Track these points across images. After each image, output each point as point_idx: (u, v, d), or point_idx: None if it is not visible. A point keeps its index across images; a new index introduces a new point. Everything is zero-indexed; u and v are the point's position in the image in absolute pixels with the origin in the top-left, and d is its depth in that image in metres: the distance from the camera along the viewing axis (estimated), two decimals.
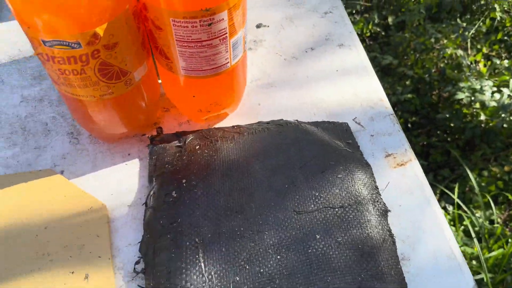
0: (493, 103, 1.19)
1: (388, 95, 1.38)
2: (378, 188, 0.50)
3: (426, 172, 1.26)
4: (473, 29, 1.37)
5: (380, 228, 0.46)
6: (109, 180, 0.52)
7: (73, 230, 0.46)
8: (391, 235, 0.47)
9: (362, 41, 1.54)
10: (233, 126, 0.55)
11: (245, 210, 0.46)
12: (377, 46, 1.46)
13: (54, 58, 0.39)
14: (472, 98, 1.19)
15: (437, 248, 0.48)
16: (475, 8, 1.46)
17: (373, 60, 1.43)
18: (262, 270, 0.43)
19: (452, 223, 1.12)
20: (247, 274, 0.43)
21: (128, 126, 0.51)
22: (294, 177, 0.49)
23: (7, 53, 0.64)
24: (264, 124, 0.55)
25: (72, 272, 0.44)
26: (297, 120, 0.56)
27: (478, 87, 1.20)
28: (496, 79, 1.27)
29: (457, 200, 1.07)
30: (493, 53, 1.44)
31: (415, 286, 0.45)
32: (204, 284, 0.42)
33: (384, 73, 1.43)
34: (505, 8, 1.46)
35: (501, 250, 0.98)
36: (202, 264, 0.43)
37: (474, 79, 1.23)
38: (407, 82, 1.36)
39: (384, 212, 0.48)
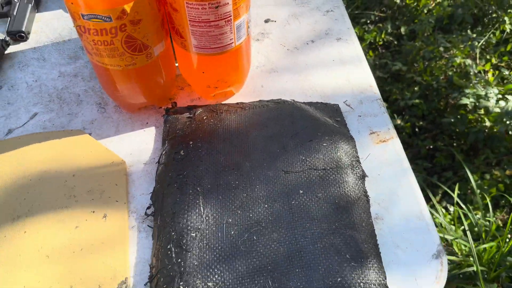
0: (497, 110, 1.23)
1: (396, 100, 1.44)
2: (358, 158, 0.57)
3: (431, 174, 1.31)
4: (483, 40, 1.43)
5: (356, 189, 0.53)
6: (129, 142, 0.61)
7: (96, 179, 0.55)
8: (366, 195, 0.54)
9: (375, 49, 1.61)
10: (237, 103, 0.63)
11: (241, 167, 0.54)
12: (389, 54, 1.53)
13: (89, 30, 0.49)
14: (477, 104, 1.24)
15: (409, 211, 0.54)
16: (486, 21, 1.52)
17: (383, 66, 1.50)
18: (251, 215, 0.51)
19: (452, 222, 1.16)
20: (239, 218, 0.50)
21: (147, 97, 0.60)
22: (285, 144, 0.56)
23: (49, 37, 0.75)
24: (264, 102, 0.63)
25: (93, 212, 0.53)
26: (293, 100, 0.63)
27: (483, 93, 1.25)
28: (502, 88, 1.31)
29: (456, 198, 1.12)
30: (502, 64, 1.48)
31: (386, 242, 0.52)
32: (201, 223, 0.50)
33: (394, 79, 1.50)
34: None
35: (493, 243, 1.03)
36: (201, 208, 0.51)
37: (480, 87, 1.28)
38: (416, 88, 1.42)
39: (361, 177, 0.55)
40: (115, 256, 0.50)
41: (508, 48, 1.46)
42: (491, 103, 1.24)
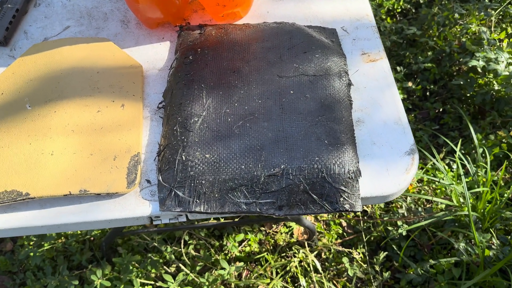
0: (506, 73, 1.26)
1: (409, 64, 1.49)
2: (347, 70, 0.64)
3: (437, 135, 1.35)
4: (499, 8, 1.44)
5: (341, 92, 0.60)
6: (147, 53, 0.69)
7: (116, 76, 0.64)
8: (349, 99, 0.61)
9: (393, 16, 1.64)
10: (243, 24, 0.71)
11: (241, 71, 0.62)
12: (406, 21, 1.56)
13: None
14: (486, 67, 1.28)
15: (388, 116, 0.61)
16: None
17: (399, 32, 1.54)
18: (246, 107, 0.58)
19: (454, 179, 1.21)
20: (236, 109, 0.58)
21: (164, 12, 0.68)
22: (282, 54, 0.64)
23: None
24: (268, 23, 0.70)
25: (113, 101, 0.61)
26: (294, 22, 0.70)
27: (493, 57, 1.28)
28: None
29: (458, 152, 1.16)
30: None
31: (364, 140, 0.59)
32: (203, 111, 0.58)
33: (408, 44, 1.53)
34: None
35: (485, 188, 1.07)
36: (204, 100, 0.59)
37: (491, 51, 1.31)
38: (429, 53, 1.45)
39: (347, 84, 0.62)
40: (130, 136, 0.58)
41: None
42: (501, 67, 1.27)
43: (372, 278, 1.11)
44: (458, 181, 1.19)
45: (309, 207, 0.53)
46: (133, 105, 0.62)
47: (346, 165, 0.53)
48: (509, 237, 1.10)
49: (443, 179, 1.14)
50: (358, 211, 0.52)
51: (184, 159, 0.54)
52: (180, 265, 1.09)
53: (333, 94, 0.59)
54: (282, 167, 0.53)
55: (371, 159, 0.57)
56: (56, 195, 0.53)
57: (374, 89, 0.64)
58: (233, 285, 1.11)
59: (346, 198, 0.52)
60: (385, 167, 0.57)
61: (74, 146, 0.56)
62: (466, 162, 1.14)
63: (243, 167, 0.54)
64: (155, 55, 0.69)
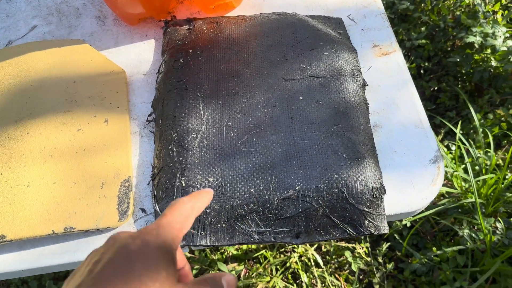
0: (504, 48, 1.21)
1: (402, 40, 1.42)
2: (360, 67, 0.57)
3: (434, 115, 1.31)
4: None
5: (356, 95, 0.53)
6: (129, 54, 0.60)
7: (96, 86, 0.55)
8: (365, 102, 0.54)
9: None
10: (237, 16, 0.62)
11: (241, 75, 0.54)
12: None
13: None
14: (483, 42, 1.22)
15: (407, 119, 0.55)
16: None
17: (391, 7, 1.47)
18: (251, 119, 0.51)
19: (454, 161, 1.17)
20: (239, 121, 0.51)
21: (145, 6, 0.59)
22: (286, 53, 0.56)
23: None
24: (265, 14, 0.62)
25: (95, 116, 0.53)
26: (295, 12, 0.62)
27: (490, 31, 1.23)
28: (511, 28, 1.28)
29: (459, 134, 1.12)
30: None
31: (384, 148, 0.53)
32: (202, 125, 0.50)
33: (401, 20, 1.46)
34: None
35: (492, 174, 1.04)
36: (202, 111, 0.51)
37: (487, 26, 1.25)
38: (422, 29, 1.39)
39: (362, 85, 0.55)
40: (117, 157, 0.51)
41: None
42: (498, 42, 1.22)
43: (375, 269, 1.08)
44: (459, 163, 1.15)
45: (329, 232, 0.47)
46: (118, 119, 0.53)
47: (369, 182, 0.47)
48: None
49: (446, 166, 1.09)
50: (385, 233, 0.47)
51: (183, 184, 0.47)
52: None
53: (348, 98, 0.52)
54: (297, 188, 0.47)
55: (393, 170, 0.51)
56: (37, 236, 0.45)
57: (389, 88, 0.57)
58: None
59: (371, 220, 0.46)
60: (409, 179, 0.51)
61: (53, 175, 0.48)
62: (468, 145, 1.10)
63: (252, 190, 0.47)
64: (138, 56, 0.60)
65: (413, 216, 1.07)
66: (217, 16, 0.62)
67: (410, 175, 0.51)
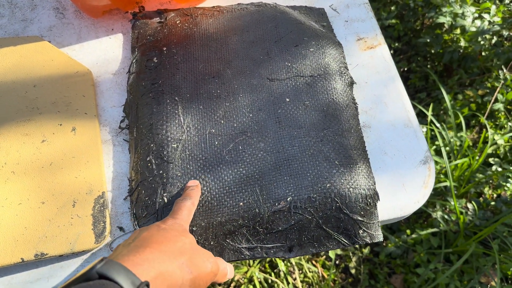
0: (473, 29, 1.21)
1: None
2: (346, 64, 0.54)
3: None
4: None
5: (345, 96, 0.50)
6: (94, 51, 0.54)
7: (60, 89, 0.50)
8: (354, 102, 0.51)
9: None
10: (213, 6, 0.57)
11: (222, 75, 0.50)
12: None
13: None
14: (453, 23, 1.22)
15: (396, 118, 0.53)
16: None
17: None
18: (236, 125, 0.47)
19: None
20: (222, 128, 0.47)
21: None
22: (269, 49, 0.52)
23: None
24: (243, 5, 0.57)
25: (60, 124, 0.48)
26: (275, 3, 0.58)
27: (460, 11, 1.22)
28: (479, 7, 1.29)
29: (430, 117, 1.12)
30: None
31: (374, 149, 0.51)
32: (182, 134, 0.46)
33: None
34: None
35: (466, 159, 1.05)
36: (181, 118, 0.47)
37: (456, 5, 1.25)
38: (392, 8, 1.37)
39: (350, 84, 0.52)
40: (89, 171, 0.46)
41: None
42: (468, 22, 1.22)
43: (351, 254, 1.09)
44: (431, 145, 1.17)
45: (323, 244, 0.44)
46: (87, 127, 0.48)
47: (363, 190, 0.45)
48: (481, 199, 1.10)
49: None
50: (380, 241, 0.45)
51: (166, 201, 0.43)
52: None
53: (337, 99, 0.50)
54: (288, 199, 0.44)
55: (384, 173, 0.49)
56: (3, 266, 0.40)
57: (376, 85, 0.55)
58: None
59: (366, 229, 0.45)
60: (400, 182, 0.49)
61: (18, 194, 0.43)
62: (440, 128, 1.11)
63: (241, 204, 0.44)
64: (105, 54, 0.54)
65: None
66: (190, 7, 0.57)
67: (401, 177, 0.49)
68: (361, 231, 0.44)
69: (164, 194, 0.43)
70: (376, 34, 0.58)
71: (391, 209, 0.48)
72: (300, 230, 0.44)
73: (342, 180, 0.45)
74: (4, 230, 0.42)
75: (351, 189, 0.45)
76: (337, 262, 1.10)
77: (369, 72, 0.55)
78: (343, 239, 0.44)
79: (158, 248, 0.33)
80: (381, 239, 0.45)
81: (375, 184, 0.46)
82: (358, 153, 0.47)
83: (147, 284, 0.29)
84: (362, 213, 0.45)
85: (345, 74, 0.52)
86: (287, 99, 0.49)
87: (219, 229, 0.43)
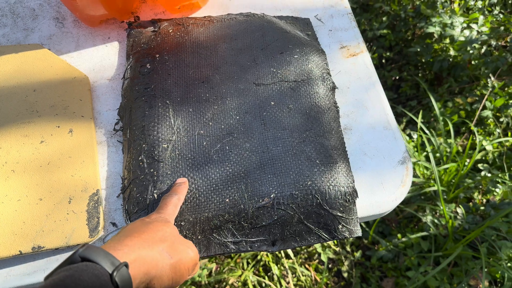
0: (462, 38, 1.25)
1: (365, 30, 1.44)
2: (329, 70, 0.57)
3: (396, 104, 1.34)
4: None
5: (326, 99, 0.53)
6: (91, 58, 0.58)
7: (59, 94, 0.53)
8: (336, 106, 0.54)
9: None
10: (204, 16, 0.60)
11: (211, 80, 0.53)
12: None
13: None
14: (442, 33, 1.25)
15: (376, 121, 0.56)
16: None
17: None
18: (223, 127, 0.50)
19: (415, 149, 1.21)
20: (211, 129, 0.50)
21: (107, 7, 0.56)
22: (256, 56, 0.55)
23: None
24: (233, 15, 0.61)
25: (58, 126, 0.51)
26: (263, 13, 0.61)
27: (449, 22, 1.26)
28: (467, 18, 1.32)
29: (420, 124, 1.15)
30: None
31: (354, 150, 0.53)
32: (173, 135, 0.49)
33: (362, 9, 1.48)
34: None
35: (454, 164, 1.08)
36: (172, 120, 0.50)
37: (446, 16, 1.29)
38: (384, 18, 1.41)
39: (332, 88, 0.55)
40: (84, 170, 0.49)
41: None
42: (456, 32, 1.25)
43: (343, 258, 1.11)
44: (421, 151, 1.19)
45: (305, 238, 0.47)
46: (83, 129, 0.51)
47: (342, 187, 0.48)
48: (471, 204, 1.13)
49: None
50: (358, 236, 0.48)
51: (156, 197, 0.46)
52: None
53: (319, 103, 0.53)
54: (272, 196, 0.47)
55: (363, 173, 0.52)
56: (2, 258, 0.43)
57: (358, 90, 0.58)
58: (203, 282, 1.06)
59: (345, 225, 0.47)
60: (379, 181, 0.52)
61: (17, 191, 0.46)
62: (430, 135, 1.14)
63: (227, 200, 0.46)
64: (102, 61, 0.57)
65: None
66: (183, 16, 0.61)
67: (380, 177, 0.52)
68: (340, 226, 0.47)
69: (154, 191, 0.46)
70: (359, 43, 0.61)
71: (370, 206, 0.50)
72: (282, 225, 0.46)
73: (322, 178, 0.48)
74: (3, 224, 0.44)
75: (331, 186, 0.47)
76: (329, 265, 1.12)
77: (351, 78, 0.58)
78: (323, 233, 0.47)
79: (139, 237, 0.36)
80: (360, 234, 0.48)
81: (354, 182, 0.49)
82: (338, 153, 0.50)
83: (126, 265, 0.32)
84: (341, 209, 0.47)
85: (327, 80, 0.55)
86: (272, 103, 0.52)
87: (206, 224, 0.46)
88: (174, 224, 0.45)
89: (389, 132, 0.55)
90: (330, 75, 0.56)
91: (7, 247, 0.44)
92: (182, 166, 0.47)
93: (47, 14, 0.60)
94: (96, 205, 0.47)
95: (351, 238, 1.09)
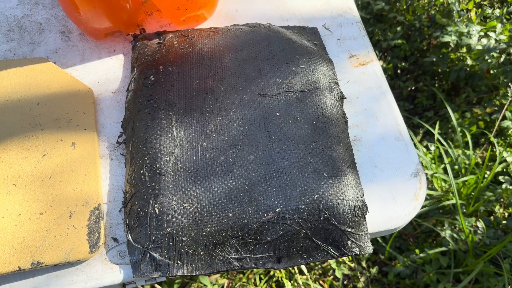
0: (479, 47, 1.22)
1: (379, 41, 1.42)
2: (337, 79, 0.55)
3: (412, 115, 1.31)
4: None
5: (334, 110, 0.52)
6: (96, 71, 0.57)
7: (62, 107, 0.52)
8: (344, 117, 0.52)
9: None
10: (209, 28, 0.60)
11: (215, 91, 0.52)
12: None
13: None
14: (459, 42, 1.23)
15: (387, 132, 0.53)
16: None
17: (366, 7, 1.46)
18: (227, 139, 0.49)
19: (433, 161, 1.17)
20: (214, 141, 0.49)
21: (112, 20, 0.56)
22: (261, 67, 0.54)
23: None
24: (239, 26, 0.60)
25: (61, 140, 0.50)
26: (269, 23, 0.60)
27: (465, 30, 1.23)
28: (485, 26, 1.29)
29: (437, 135, 1.12)
30: (485, 2, 1.46)
31: (364, 162, 0.51)
32: (175, 147, 0.48)
33: (376, 20, 1.46)
34: None
35: (472, 176, 1.04)
36: (174, 132, 0.49)
37: (462, 25, 1.26)
38: (398, 29, 1.39)
39: (340, 98, 0.53)
40: (86, 184, 0.48)
41: None
42: (473, 40, 1.22)
43: (359, 274, 1.07)
44: (438, 163, 1.16)
45: (312, 255, 0.45)
46: (86, 142, 0.51)
47: (351, 201, 0.46)
48: (492, 218, 1.08)
49: (426, 167, 1.09)
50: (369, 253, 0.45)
51: (157, 212, 0.44)
52: (156, 285, 1.00)
53: (326, 113, 0.51)
54: (277, 210, 0.45)
55: (374, 186, 0.50)
56: (1, 273, 0.42)
57: (368, 100, 0.56)
58: None
59: (354, 241, 0.45)
60: (391, 195, 0.50)
61: (18, 206, 0.45)
62: (447, 146, 1.10)
63: (230, 214, 0.45)
64: (106, 73, 0.57)
65: None
66: (188, 28, 0.60)
67: (392, 190, 0.50)
68: (349, 242, 0.45)
69: (155, 205, 0.44)
70: (368, 51, 0.60)
71: (381, 221, 0.48)
72: (288, 241, 0.45)
73: (330, 191, 0.46)
74: (3, 239, 0.43)
75: (339, 200, 0.45)
76: (345, 282, 1.08)
77: (361, 87, 0.57)
78: (332, 250, 0.45)
79: None
80: (371, 250, 0.45)
81: (363, 195, 0.47)
82: (346, 165, 0.48)
83: None
84: (350, 224, 0.45)
85: (335, 89, 0.53)
86: (278, 114, 0.50)
87: (209, 240, 0.44)
88: (176, 240, 0.43)
89: (401, 143, 0.53)
90: (338, 85, 0.55)
91: (6, 263, 0.43)
92: (184, 179, 0.46)
93: (53, 28, 0.61)
94: (97, 219, 0.46)
95: (366, 254, 1.06)
